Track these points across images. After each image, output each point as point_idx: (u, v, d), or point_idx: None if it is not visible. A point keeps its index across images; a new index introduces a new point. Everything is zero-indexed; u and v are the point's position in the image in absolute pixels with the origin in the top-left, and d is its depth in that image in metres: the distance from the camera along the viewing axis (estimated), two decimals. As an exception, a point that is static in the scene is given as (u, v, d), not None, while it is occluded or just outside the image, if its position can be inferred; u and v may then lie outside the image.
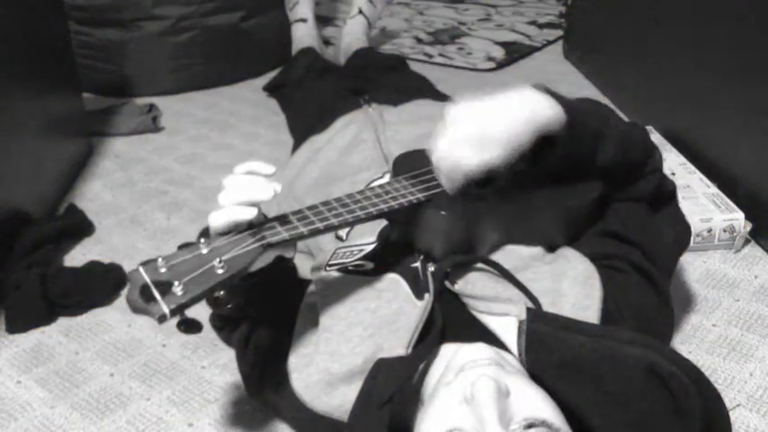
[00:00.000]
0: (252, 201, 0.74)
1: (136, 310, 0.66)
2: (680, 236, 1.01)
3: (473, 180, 0.81)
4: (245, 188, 0.74)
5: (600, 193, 0.92)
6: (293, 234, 0.74)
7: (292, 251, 0.77)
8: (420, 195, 0.85)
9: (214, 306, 0.70)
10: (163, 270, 0.68)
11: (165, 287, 0.66)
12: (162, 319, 0.65)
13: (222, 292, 0.68)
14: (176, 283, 0.66)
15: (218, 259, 0.69)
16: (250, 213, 0.73)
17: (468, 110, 0.81)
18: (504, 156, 0.79)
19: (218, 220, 0.74)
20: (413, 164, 0.92)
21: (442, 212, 0.84)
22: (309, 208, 0.79)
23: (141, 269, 0.68)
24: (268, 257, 0.73)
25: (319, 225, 0.76)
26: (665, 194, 0.99)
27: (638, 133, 0.95)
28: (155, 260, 0.69)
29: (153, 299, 0.66)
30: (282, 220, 0.76)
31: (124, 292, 1.28)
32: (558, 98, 0.84)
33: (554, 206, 0.90)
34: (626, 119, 1.02)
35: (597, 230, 0.95)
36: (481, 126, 0.79)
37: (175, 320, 0.68)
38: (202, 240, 0.71)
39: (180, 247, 0.72)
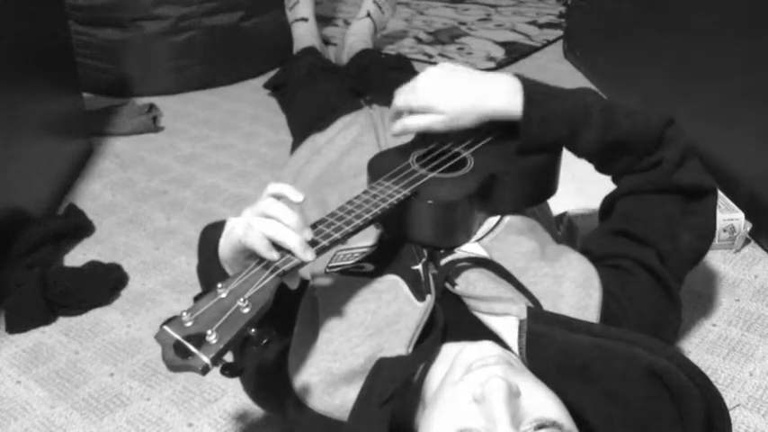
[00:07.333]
0: (283, 247, 0.74)
1: (175, 368, 0.66)
2: (698, 242, 0.96)
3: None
4: (289, 235, 0.74)
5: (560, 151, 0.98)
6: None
7: (298, 279, 0.77)
8: (405, 191, 0.88)
9: (251, 345, 0.70)
10: (189, 324, 0.68)
11: (198, 339, 0.66)
12: (205, 370, 0.65)
13: (253, 330, 0.69)
14: (209, 332, 0.66)
15: (240, 299, 0.69)
16: (274, 256, 0.73)
17: (439, 75, 0.95)
18: (444, 124, 0.95)
19: (245, 233, 0.75)
20: (386, 164, 0.96)
21: (429, 201, 0.88)
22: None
23: (167, 328, 0.68)
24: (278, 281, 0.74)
25: (325, 243, 0.78)
26: (694, 190, 0.95)
27: (645, 123, 0.94)
28: (178, 317, 0.69)
29: (190, 353, 0.65)
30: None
31: (124, 292, 1.28)
32: (529, 90, 0.91)
33: (514, 168, 0.95)
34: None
35: (611, 229, 0.95)
36: (435, 94, 0.94)
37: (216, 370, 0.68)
38: (219, 285, 0.71)
39: (196, 299, 0.73)
